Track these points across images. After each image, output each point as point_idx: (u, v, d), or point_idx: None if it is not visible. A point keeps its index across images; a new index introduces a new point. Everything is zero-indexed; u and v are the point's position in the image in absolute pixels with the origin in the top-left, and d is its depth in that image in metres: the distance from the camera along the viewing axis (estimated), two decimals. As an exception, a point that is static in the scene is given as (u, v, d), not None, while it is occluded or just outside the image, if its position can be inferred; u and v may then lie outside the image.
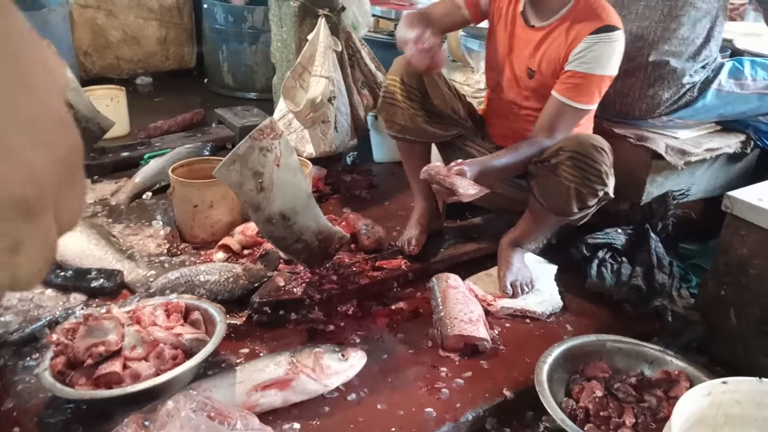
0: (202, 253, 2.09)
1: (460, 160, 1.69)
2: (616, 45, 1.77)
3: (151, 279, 1.89)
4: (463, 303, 1.80)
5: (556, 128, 1.81)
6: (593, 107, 1.86)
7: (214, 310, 1.61)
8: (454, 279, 1.94)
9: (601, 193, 1.76)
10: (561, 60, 1.81)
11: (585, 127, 1.96)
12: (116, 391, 1.35)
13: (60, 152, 0.38)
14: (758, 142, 2.33)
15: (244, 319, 1.78)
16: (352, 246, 2.12)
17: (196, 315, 1.62)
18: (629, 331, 1.76)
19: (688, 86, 2.17)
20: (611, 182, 1.79)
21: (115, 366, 1.40)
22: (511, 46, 1.93)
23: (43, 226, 0.37)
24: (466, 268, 2.08)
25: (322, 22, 2.49)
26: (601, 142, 1.75)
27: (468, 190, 1.60)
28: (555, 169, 1.75)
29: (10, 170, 0.34)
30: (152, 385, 1.36)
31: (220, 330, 1.53)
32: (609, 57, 1.77)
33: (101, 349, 1.41)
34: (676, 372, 1.57)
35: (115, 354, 1.43)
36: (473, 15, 2.00)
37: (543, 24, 1.85)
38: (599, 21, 1.76)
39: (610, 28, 1.76)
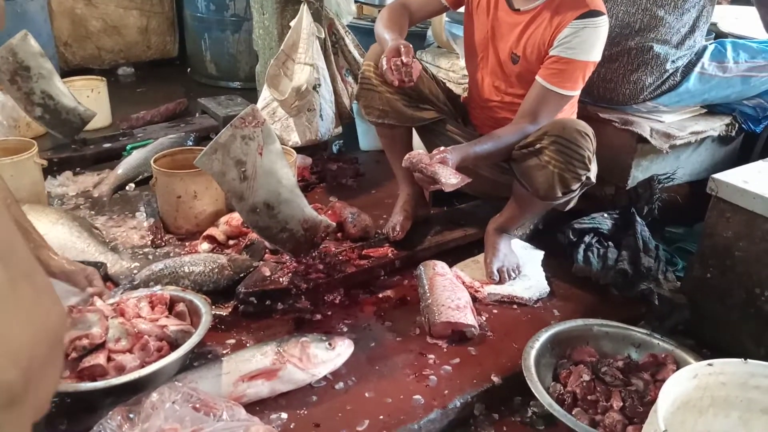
0: (187, 244, 2.07)
1: (442, 148, 1.68)
2: (601, 30, 1.75)
3: (135, 271, 1.87)
4: (451, 290, 1.80)
5: (540, 114, 1.80)
6: (577, 93, 1.85)
7: (199, 301, 1.59)
8: (441, 266, 1.93)
9: (584, 178, 1.76)
10: (546, 45, 1.79)
11: (569, 112, 1.96)
12: (100, 384, 1.33)
13: (46, 327, 0.33)
14: (743, 125, 2.33)
15: (230, 309, 1.77)
16: (339, 235, 2.11)
17: (180, 306, 1.60)
18: (616, 315, 1.76)
19: (671, 71, 2.17)
20: (594, 167, 1.79)
21: (99, 359, 1.38)
22: (494, 31, 1.91)
23: (23, 412, 0.32)
24: (453, 255, 2.08)
25: (304, 9, 2.46)
26: (584, 127, 1.75)
27: (450, 179, 1.58)
28: (539, 153, 1.75)
29: None
30: (137, 377, 1.35)
31: (205, 321, 1.51)
32: (594, 43, 1.76)
33: (85, 342, 1.39)
34: (663, 355, 1.58)
35: (99, 347, 1.41)
36: (451, 2, 2.00)
37: (528, 7, 1.83)
38: (584, 6, 1.75)
39: (595, 13, 1.74)
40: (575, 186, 1.78)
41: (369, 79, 1.96)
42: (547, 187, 1.77)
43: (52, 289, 0.36)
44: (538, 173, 1.76)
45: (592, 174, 1.80)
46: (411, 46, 1.77)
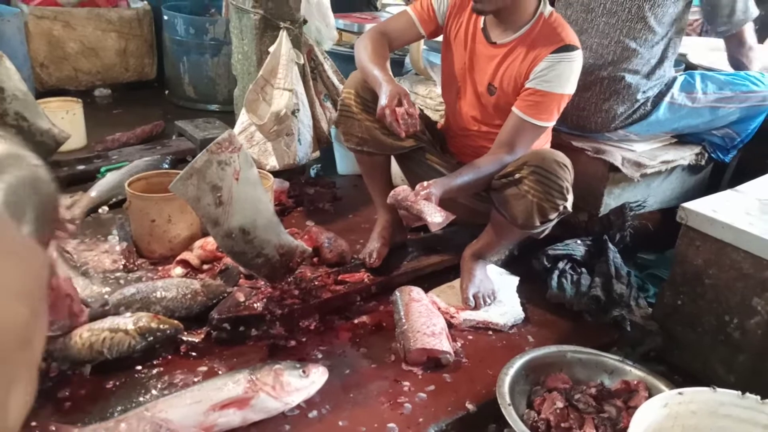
0: (160, 268, 2.04)
1: (425, 183, 1.69)
2: (575, 64, 1.80)
3: (106, 295, 1.83)
4: (426, 316, 1.80)
5: (517, 144, 1.83)
6: (552, 124, 1.89)
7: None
8: (417, 292, 1.93)
9: (561, 208, 1.79)
10: (522, 77, 1.83)
11: (543, 141, 1.99)
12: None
13: (36, 268, 0.36)
14: (712, 155, 2.39)
15: (202, 336, 1.74)
16: (315, 260, 2.10)
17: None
18: (589, 342, 1.78)
19: (641, 101, 2.22)
20: (570, 198, 1.82)
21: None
22: (472, 63, 1.94)
23: (33, 352, 0.34)
24: (429, 281, 2.08)
25: (283, 35, 2.48)
26: (563, 158, 1.78)
27: (435, 217, 1.59)
28: (518, 182, 1.77)
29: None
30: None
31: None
32: (569, 76, 1.79)
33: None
34: (635, 382, 1.59)
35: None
36: (428, 31, 2.02)
37: (505, 41, 1.86)
38: (560, 40, 1.79)
39: (570, 48, 1.79)
40: (553, 215, 1.80)
41: (349, 107, 1.96)
42: (526, 216, 1.79)
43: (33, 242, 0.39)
44: (518, 202, 1.79)
45: (569, 204, 1.82)
46: (407, 92, 1.80)
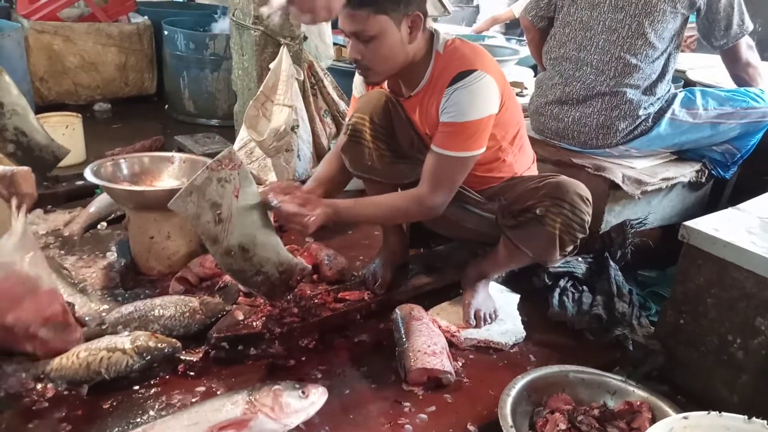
0: (158, 285, 2.02)
1: (313, 200, 1.70)
2: (474, 87, 1.66)
3: (104, 313, 1.82)
4: (427, 335, 1.78)
5: (437, 179, 1.74)
6: (473, 154, 1.72)
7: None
8: (417, 310, 1.92)
9: (578, 241, 1.77)
10: (437, 115, 1.76)
11: (529, 158, 1.96)
12: None
13: None
14: (713, 172, 2.39)
15: (200, 355, 1.72)
16: (315, 277, 2.09)
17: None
18: (591, 361, 1.76)
19: (643, 117, 2.23)
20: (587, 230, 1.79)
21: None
22: (409, 119, 1.89)
23: None
24: (430, 298, 2.06)
25: (284, 51, 2.48)
26: (584, 191, 1.74)
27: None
28: (541, 219, 1.73)
29: None
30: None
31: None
32: (470, 102, 1.67)
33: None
34: (638, 402, 1.57)
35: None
36: None
37: (414, 92, 1.81)
38: (454, 69, 1.69)
39: (463, 75, 1.67)
40: (569, 248, 1.78)
41: (361, 133, 1.87)
42: (548, 251, 1.77)
43: None
44: (539, 238, 1.75)
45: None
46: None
